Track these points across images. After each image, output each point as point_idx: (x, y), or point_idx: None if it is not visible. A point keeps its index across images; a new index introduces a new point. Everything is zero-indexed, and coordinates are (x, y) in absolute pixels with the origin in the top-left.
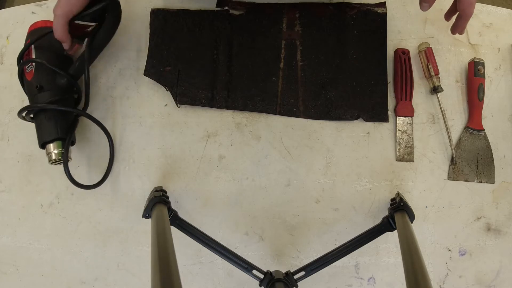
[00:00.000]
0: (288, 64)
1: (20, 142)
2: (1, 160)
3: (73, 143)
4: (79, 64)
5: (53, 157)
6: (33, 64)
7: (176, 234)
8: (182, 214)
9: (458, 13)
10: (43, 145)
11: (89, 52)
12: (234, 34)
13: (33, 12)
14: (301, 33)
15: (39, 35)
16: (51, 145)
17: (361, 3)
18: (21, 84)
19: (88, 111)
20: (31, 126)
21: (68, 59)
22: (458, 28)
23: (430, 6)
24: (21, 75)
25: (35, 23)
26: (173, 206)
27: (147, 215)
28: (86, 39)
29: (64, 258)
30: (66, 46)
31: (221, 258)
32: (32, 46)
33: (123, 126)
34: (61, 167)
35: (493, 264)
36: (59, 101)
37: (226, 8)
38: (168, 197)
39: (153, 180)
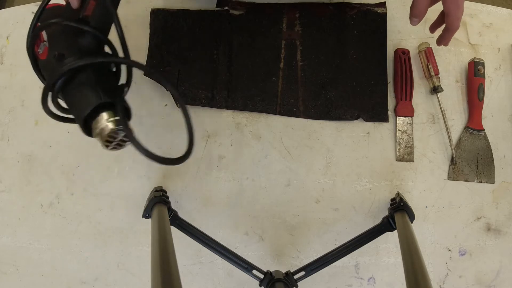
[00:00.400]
0: (288, 64)
1: (20, 142)
2: (1, 160)
3: (128, 114)
4: (100, 12)
5: (110, 127)
6: (46, 40)
7: (176, 234)
8: (182, 214)
9: (445, 26)
10: (85, 124)
11: None
12: (234, 34)
13: (33, 12)
14: (301, 33)
15: (41, 8)
16: (103, 115)
17: (361, 3)
18: (37, 73)
19: None
20: (31, 126)
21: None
22: (444, 40)
23: (420, 21)
24: (35, 61)
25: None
26: (173, 206)
27: (147, 215)
28: None
29: (64, 258)
30: (74, 3)
31: (221, 258)
32: (39, 25)
33: None
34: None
35: (493, 264)
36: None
37: (226, 8)
38: (168, 197)
39: (153, 180)
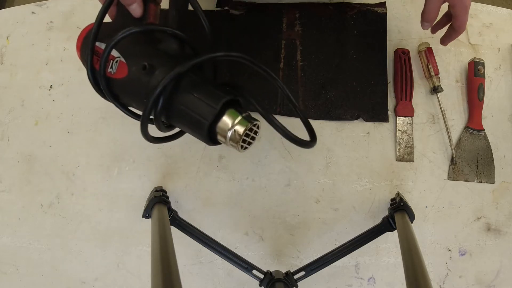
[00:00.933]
0: (288, 64)
1: (20, 142)
2: (1, 160)
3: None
4: (174, 9)
5: (241, 131)
6: (119, 56)
7: (176, 234)
8: (182, 214)
9: (451, 27)
10: (211, 131)
11: None
12: (234, 34)
13: (33, 12)
14: (301, 33)
15: (96, 24)
16: (224, 120)
17: (361, 3)
18: (118, 104)
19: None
20: (31, 126)
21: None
22: (449, 40)
23: (431, 25)
24: (110, 87)
25: (82, 31)
26: (173, 206)
27: (147, 215)
28: None
29: (64, 258)
30: (138, 9)
31: (221, 258)
32: (97, 43)
33: (123, 126)
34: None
35: (493, 264)
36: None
37: (226, 8)
38: (168, 197)
39: (153, 180)
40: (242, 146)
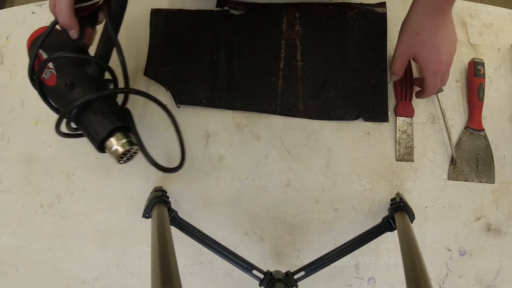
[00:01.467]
0: (288, 64)
1: (20, 142)
2: (1, 160)
3: (135, 131)
4: (103, 42)
5: (120, 151)
6: (52, 68)
7: (176, 234)
8: (182, 214)
9: (423, 89)
10: (101, 145)
11: (110, 19)
12: (234, 34)
13: (33, 12)
14: (301, 33)
15: (43, 37)
16: (112, 140)
17: (361, 3)
18: (45, 100)
19: None
20: (31, 126)
21: (86, 52)
22: (419, 96)
23: (397, 78)
24: (41, 88)
25: (34, 32)
26: (173, 206)
27: (147, 215)
28: (104, 12)
29: (64, 258)
30: (74, 34)
31: (221, 258)
32: (40, 51)
33: None
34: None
35: (493, 264)
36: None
37: (226, 8)
38: (168, 197)
39: (153, 180)
40: (119, 161)
